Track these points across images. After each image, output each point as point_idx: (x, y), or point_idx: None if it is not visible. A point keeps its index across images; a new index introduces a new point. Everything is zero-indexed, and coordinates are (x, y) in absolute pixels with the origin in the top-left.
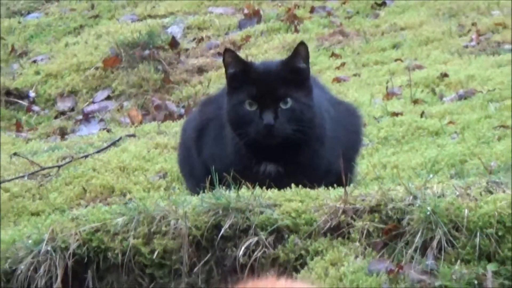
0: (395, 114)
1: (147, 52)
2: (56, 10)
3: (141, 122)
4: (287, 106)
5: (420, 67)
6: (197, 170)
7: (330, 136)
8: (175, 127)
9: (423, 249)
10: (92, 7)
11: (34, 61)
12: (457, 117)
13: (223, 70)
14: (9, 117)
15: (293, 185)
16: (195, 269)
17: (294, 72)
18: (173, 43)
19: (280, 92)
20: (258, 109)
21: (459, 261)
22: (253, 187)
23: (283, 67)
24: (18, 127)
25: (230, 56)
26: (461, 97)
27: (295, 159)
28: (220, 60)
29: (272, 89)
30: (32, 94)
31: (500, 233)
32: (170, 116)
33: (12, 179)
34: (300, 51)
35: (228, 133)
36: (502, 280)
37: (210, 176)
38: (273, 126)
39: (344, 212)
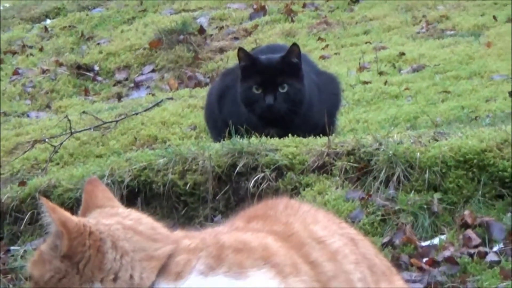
0: (366, 82)
1: (181, 37)
2: (114, 5)
3: (177, 89)
4: (284, 90)
5: (384, 48)
6: (219, 124)
7: (316, 99)
8: (203, 92)
9: (386, 182)
10: (141, 3)
11: (98, 44)
12: (411, 85)
13: None
14: (79, 85)
15: (289, 134)
16: (217, 197)
17: (289, 65)
18: (201, 30)
19: (279, 80)
20: (262, 92)
21: (413, 191)
22: (260, 137)
23: (281, 61)
24: (86, 92)
25: (242, 53)
26: (414, 70)
27: (291, 125)
28: (236, 43)
29: (273, 78)
30: (96, 68)
31: (443, 170)
32: (198, 84)
33: (82, 131)
34: (293, 50)
35: None
36: (445, 205)
37: (228, 128)
38: (273, 105)
39: (327, 154)
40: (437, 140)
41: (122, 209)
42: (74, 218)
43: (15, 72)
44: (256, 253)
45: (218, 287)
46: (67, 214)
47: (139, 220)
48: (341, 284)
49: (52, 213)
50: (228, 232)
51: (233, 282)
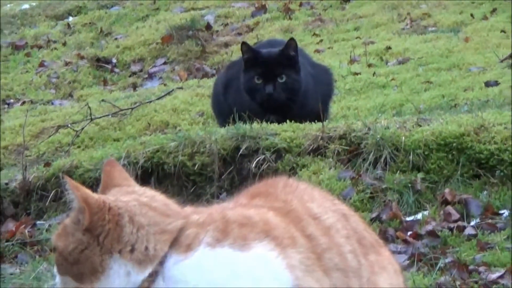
0: (356, 73)
1: (190, 32)
2: (130, 4)
3: (186, 79)
4: (282, 80)
5: (372, 43)
6: (224, 111)
7: (311, 89)
8: (209, 83)
9: (375, 163)
10: (154, 2)
11: (115, 39)
12: (397, 76)
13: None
14: (99, 76)
15: (287, 120)
16: (223, 177)
17: (287, 58)
18: (208, 27)
19: (278, 71)
20: (262, 82)
21: (398, 171)
22: (261, 123)
23: (279, 54)
24: (105, 82)
25: (245, 47)
26: (400, 63)
27: (288, 112)
28: (239, 38)
29: (272, 69)
30: (114, 60)
31: (426, 153)
32: (206, 75)
33: (101, 117)
34: (291, 44)
35: None
36: (427, 184)
37: (232, 115)
38: (272, 94)
39: (321, 138)
40: (420, 126)
41: (137, 188)
42: (95, 195)
43: (41, 64)
44: (258, 227)
45: (224, 257)
46: (88, 191)
47: (154, 197)
48: (334, 256)
49: (75, 191)
50: (233, 208)
51: (237, 253)
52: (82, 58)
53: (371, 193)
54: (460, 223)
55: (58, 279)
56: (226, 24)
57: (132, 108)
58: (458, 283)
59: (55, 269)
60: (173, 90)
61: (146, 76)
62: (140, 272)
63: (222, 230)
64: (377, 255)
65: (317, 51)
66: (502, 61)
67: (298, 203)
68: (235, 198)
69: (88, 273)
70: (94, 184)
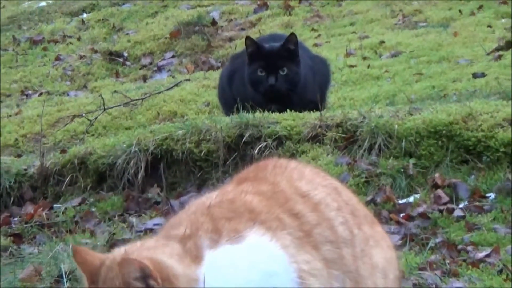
0: (352, 66)
1: (197, 28)
2: (140, 1)
3: (193, 72)
4: (283, 72)
5: (367, 37)
6: (229, 101)
7: (310, 80)
8: (215, 75)
9: (369, 149)
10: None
11: (127, 34)
12: (390, 68)
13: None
14: (111, 69)
15: (288, 110)
16: (227, 162)
17: (288, 51)
18: (213, 22)
19: (279, 64)
20: (265, 74)
21: (391, 157)
22: (263, 112)
23: (281, 48)
24: (117, 75)
25: (249, 41)
26: (393, 56)
27: (289, 102)
28: (243, 32)
29: (274, 62)
30: (125, 54)
31: (417, 140)
32: (211, 67)
33: (113, 107)
34: (291, 38)
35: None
36: (419, 169)
37: (236, 104)
38: (274, 85)
39: (320, 126)
40: (412, 114)
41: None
42: None
43: (57, 58)
44: (244, 217)
45: (226, 254)
46: None
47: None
48: (324, 230)
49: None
50: (217, 201)
51: (236, 246)
52: (95, 52)
53: (366, 177)
54: (449, 205)
55: None
56: (230, 20)
57: (142, 99)
58: (447, 261)
59: None
60: (180, 81)
61: (156, 68)
62: None
63: (214, 230)
64: (371, 228)
65: (316, 45)
66: (488, 54)
67: (286, 183)
68: (221, 187)
69: None
70: (106, 169)
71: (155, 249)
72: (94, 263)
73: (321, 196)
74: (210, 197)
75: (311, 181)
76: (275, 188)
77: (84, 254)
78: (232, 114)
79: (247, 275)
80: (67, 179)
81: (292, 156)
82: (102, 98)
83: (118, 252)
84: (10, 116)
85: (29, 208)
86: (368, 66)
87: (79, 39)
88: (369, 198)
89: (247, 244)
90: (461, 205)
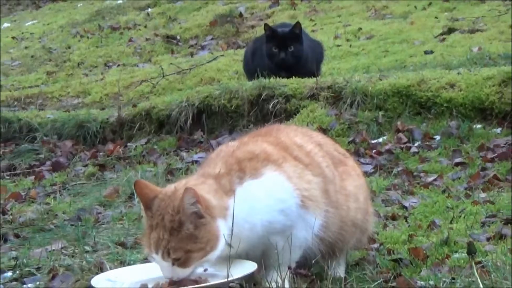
0: (338, 45)
1: (228, 18)
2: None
3: (226, 49)
4: (291, 50)
5: (349, 25)
6: (251, 70)
7: (310, 56)
8: (241, 52)
9: (351, 105)
10: None
11: (179, 23)
12: (366, 47)
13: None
14: (168, 48)
15: (293, 76)
16: (250, 114)
17: (294, 34)
18: (240, 15)
19: (288, 43)
20: (278, 51)
21: (367, 110)
22: (276, 78)
23: (289, 32)
24: (172, 52)
25: (267, 26)
26: (367, 38)
27: (294, 71)
28: (261, 22)
29: (285, 42)
30: (178, 37)
31: (385, 98)
32: (239, 47)
33: (170, 74)
34: (297, 25)
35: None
36: (386, 118)
37: (256, 73)
38: (284, 59)
39: (316, 88)
40: (381, 80)
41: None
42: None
43: (130, 40)
44: (260, 157)
45: (250, 187)
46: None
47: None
48: (315, 168)
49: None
50: (239, 146)
51: (257, 181)
52: (157, 35)
53: (348, 125)
54: (407, 144)
55: None
56: (252, 13)
57: (190, 69)
58: (406, 184)
59: None
60: (217, 57)
61: (199, 47)
62: None
63: (239, 170)
64: (344, 166)
65: (313, 31)
66: (435, 37)
67: (286, 137)
68: (241, 138)
69: None
70: (165, 118)
71: (196, 186)
72: (149, 195)
73: (311, 147)
74: (233, 145)
75: (303, 138)
76: (278, 140)
77: (144, 187)
78: (254, 80)
79: (265, 200)
80: (137, 125)
81: (296, 109)
82: (162, 68)
83: (169, 187)
84: (97, 81)
85: (110, 146)
86: (350, 46)
87: (145, 26)
88: (350, 139)
89: (265, 178)
90: (416, 144)
